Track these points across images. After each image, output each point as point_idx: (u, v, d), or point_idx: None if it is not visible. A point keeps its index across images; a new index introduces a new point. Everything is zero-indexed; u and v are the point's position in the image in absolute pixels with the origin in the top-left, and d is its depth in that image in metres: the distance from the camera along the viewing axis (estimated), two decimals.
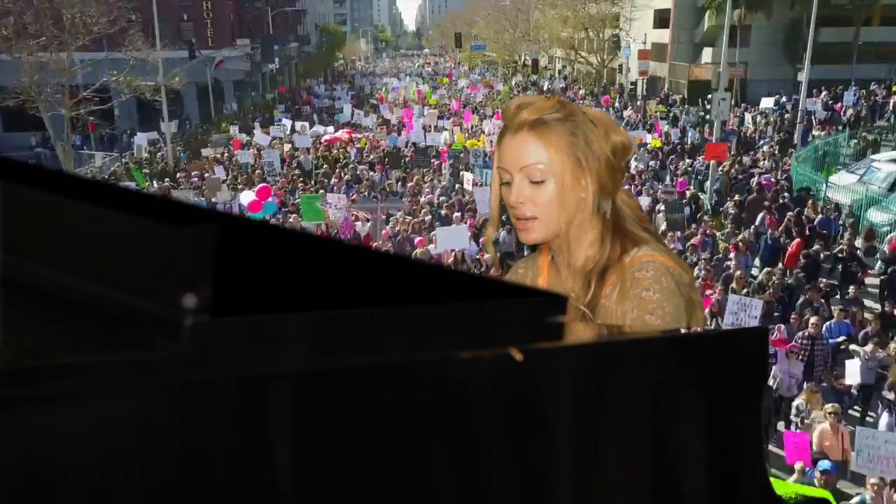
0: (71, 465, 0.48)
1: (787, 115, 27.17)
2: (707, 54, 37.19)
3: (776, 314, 10.26)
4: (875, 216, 14.86)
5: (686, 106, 33.14)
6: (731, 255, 12.31)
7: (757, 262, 12.86)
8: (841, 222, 14.79)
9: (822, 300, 10.59)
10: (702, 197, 17.09)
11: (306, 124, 28.18)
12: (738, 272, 11.25)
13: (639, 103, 35.27)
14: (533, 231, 1.38)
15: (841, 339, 9.65)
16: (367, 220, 14.86)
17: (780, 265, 12.23)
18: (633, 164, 19.85)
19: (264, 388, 0.55)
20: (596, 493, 0.75)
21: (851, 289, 11.30)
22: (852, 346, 9.41)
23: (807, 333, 9.30)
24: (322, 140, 24.96)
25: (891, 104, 28.27)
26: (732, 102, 25.18)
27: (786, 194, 16.25)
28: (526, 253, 1.62)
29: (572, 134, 1.34)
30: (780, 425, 8.56)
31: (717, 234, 14.12)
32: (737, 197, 15.76)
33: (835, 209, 15.25)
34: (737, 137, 24.27)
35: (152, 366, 0.52)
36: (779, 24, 35.59)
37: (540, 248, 1.51)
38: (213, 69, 34.60)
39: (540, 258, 1.52)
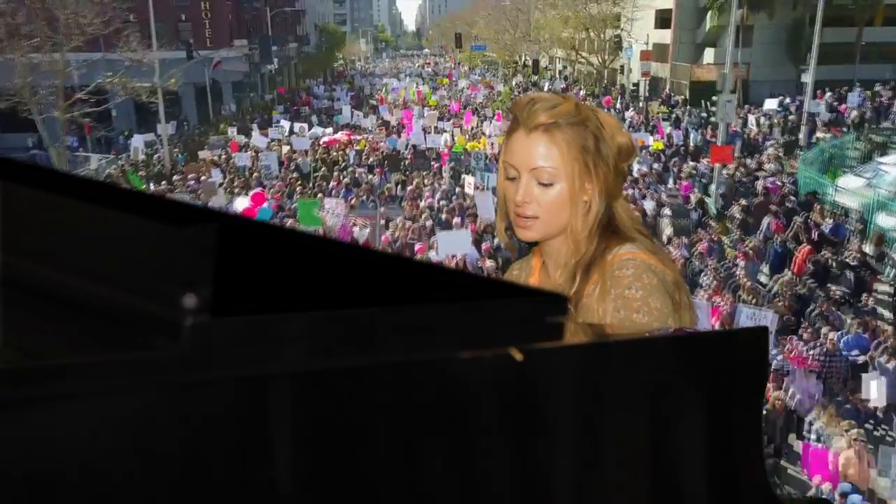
0: (71, 465, 0.48)
1: (790, 117, 26.91)
2: (709, 55, 37.13)
3: (789, 325, 9.87)
4: (884, 221, 14.39)
5: (688, 107, 33.01)
6: (740, 262, 11.97)
7: (764, 268, 12.52)
8: (850, 227, 14.37)
9: (835, 310, 10.22)
10: (707, 201, 16.78)
11: (305, 125, 27.87)
12: (748, 281, 10.93)
13: (641, 104, 35.20)
14: (531, 230, 1.38)
15: (857, 353, 9.27)
16: (366, 226, 14.63)
17: (788, 272, 11.85)
18: (635, 166, 19.72)
19: (264, 388, 0.55)
20: (596, 493, 0.75)
21: (864, 297, 10.90)
22: (880, 358, 8.95)
23: (824, 349, 8.94)
24: (321, 142, 24.75)
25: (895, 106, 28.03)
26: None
27: (792, 198, 15.95)
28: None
29: (585, 139, 1.34)
30: (797, 443, 8.19)
31: (724, 239, 13.82)
32: (742, 201, 15.45)
33: (843, 214, 14.82)
34: (741, 140, 23.87)
35: (152, 366, 0.52)
36: (781, 24, 35.49)
37: (533, 250, 1.51)
38: (212, 70, 34.53)
39: (532, 259, 1.53)
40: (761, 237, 13.44)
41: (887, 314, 11.21)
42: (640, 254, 1.35)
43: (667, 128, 26.16)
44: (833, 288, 11.03)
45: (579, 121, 1.34)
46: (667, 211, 14.93)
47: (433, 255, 12.01)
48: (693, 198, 16.30)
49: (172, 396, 0.51)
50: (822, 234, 13.49)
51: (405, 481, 0.62)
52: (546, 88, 42.66)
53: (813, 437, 7.87)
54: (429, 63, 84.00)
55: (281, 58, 48.74)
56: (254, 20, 45.35)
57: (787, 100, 29.75)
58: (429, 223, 14.55)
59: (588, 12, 42.64)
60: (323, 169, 20.63)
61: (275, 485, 0.55)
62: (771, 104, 28.46)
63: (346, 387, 0.58)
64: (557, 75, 53.64)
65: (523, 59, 55.98)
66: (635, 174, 18.84)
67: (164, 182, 20.43)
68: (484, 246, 12.45)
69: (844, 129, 25.56)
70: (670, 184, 18.98)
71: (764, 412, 7.75)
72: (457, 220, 14.40)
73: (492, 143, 21.38)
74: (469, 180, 16.97)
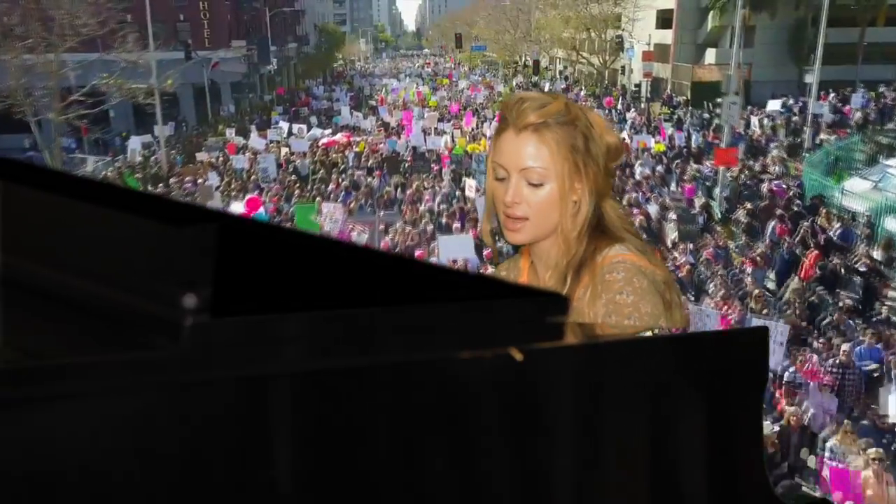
0: (71, 465, 0.48)
1: (794, 118, 26.59)
2: (710, 55, 37.09)
3: (802, 336, 9.48)
4: (892, 225, 13.98)
5: (689, 108, 32.86)
6: (748, 269, 11.67)
7: (770, 274, 12.12)
8: (857, 232, 13.81)
9: (848, 319, 9.82)
10: (712, 204, 16.41)
11: (304, 127, 27.58)
12: (756, 290, 10.60)
13: (643, 106, 35.09)
14: (521, 232, 1.38)
15: (871, 364, 8.82)
16: (364, 232, 14.28)
17: (796, 278, 11.42)
18: (637, 169, 19.55)
19: (264, 388, 0.55)
20: (596, 493, 0.75)
21: (877, 306, 10.53)
22: None
23: (837, 361, 8.53)
24: (319, 143, 24.50)
25: None
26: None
27: (798, 201, 15.57)
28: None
29: (575, 139, 1.33)
30: (812, 461, 7.69)
31: (730, 244, 13.51)
32: (748, 205, 15.08)
33: (851, 218, 14.38)
34: (746, 142, 23.37)
35: (152, 366, 0.52)
36: (783, 23, 35.42)
37: (521, 250, 1.50)
38: (210, 71, 34.46)
39: (521, 260, 1.52)
40: (767, 242, 13.11)
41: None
42: (629, 255, 1.34)
43: (668, 129, 25.91)
44: (843, 294, 10.67)
45: (569, 120, 1.33)
46: (672, 215, 14.62)
47: (434, 261, 11.87)
48: (697, 201, 15.99)
49: (172, 396, 0.51)
50: (829, 239, 13.13)
51: (405, 481, 0.62)
52: (547, 89, 42.59)
53: (828, 454, 7.45)
54: (429, 63, 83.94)
55: (280, 58, 48.69)
56: (253, 20, 45.29)
57: (791, 101, 29.47)
58: (429, 228, 14.34)
59: (589, 12, 42.62)
60: (321, 171, 20.46)
61: (275, 485, 0.55)
62: (774, 105, 28.15)
63: (346, 387, 0.58)
64: (558, 76, 53.63)
65: (524, 59, 55.98)
66: (637, 177, 18.66)
67: (160, 185, 20.20)
68: (486, 252, 12.33)
69: (849, 131, 25.16)
70: (673, 186, 18.71)
71: (778, 428, 7.60)
72: (457, 224, 14.17)
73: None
74: (470, 183, 16.65)
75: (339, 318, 0.59)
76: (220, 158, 23.20)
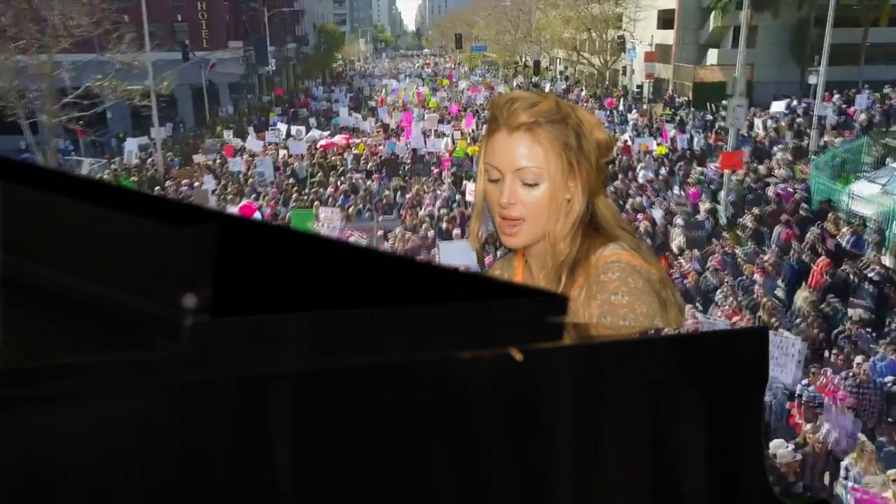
0: (71, 465, 0.48)
1: (798, 120, 26.25)
2: (712, 55, 37.02)
3: (816, 348, 9.03)
4: None
5: (691, 109, 32.66)
6: (758, 278, 11.30)
7: (780, 282, 11.73)
8: (866, 238, 13.39)
9: (862, 331, 9.33)
10: (718, 209, 16.07)
11: (302, 128, 27.38)
12: (767, 301, 10.26)
13: (645, 107, 34.97)
14: (519, 235, 1.37)
15: (892, 381, 8.28)
16: (363, 239, 14.16)
17: (806, 287, 10.98)
18: (640, 172, 19.44)
19: (264, 388, 0.55)
20: (596, 493, 0.75)
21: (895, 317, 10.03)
22: None
23: (858, 380, 8.03)
24: (318, 145, 24.31)
25: None
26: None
27: (805, 205, 15.16)
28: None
29: (567, 136, 1.33)
30: (837, 487, 7.20)
31: (737, 250, 13.15)
32: (755, 210, 14.73)
33: (861, 223, 13.91)
34: (751, 144, 23.04)
35: (152, 366, 0.52)
36: (785, 24, 35.32)
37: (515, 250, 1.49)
38: (208, 72, 34.39)
39: (515, 259, 1.52)
40: (775, 249, 12.73)
41: None
42: (624, 255, 1.33)
43: (671, 130, 25.65)
44: (856, 302, 10.27)
45: (560, 118, 1.33)
46: (678, 220, 14.33)
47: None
48: (702, 206, 15.65)
49: (172, 396, 0.51)
50: (838, 245, 12.71)
51: (405, 481, 0.62)
52: (547, 89, 42.57)
53: (851, 483, 6.97)
54: (429, 64, 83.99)
55: (279, 58, 48.62)
56: (251, 20, 45.24)
57: (794, 102, 29.13)
58: (430, 234, 14.22)
59: (590, 12, 42.59)
60: (319, 174, 20.27)
61: (275, 485, 0.55)
62: (778, 106, 27.82)
63: (345, 387, 0.58)
64: (559, 76, 53.61)
65: (524, 59, 55.96)
66: (641, 180, 18.42)
67: (156, 187, 19.99)
68: (487, 260, 12.26)
69: (854, 133, 24.79)
70: (676, 189, 18.44)
71: (800, 456, 7.31)
72: (457, 231, 14.03)
73: None
74: (471, 187, 16.32)
75: (339, 318, 0.59)
76: (217, 161, 23.00)
